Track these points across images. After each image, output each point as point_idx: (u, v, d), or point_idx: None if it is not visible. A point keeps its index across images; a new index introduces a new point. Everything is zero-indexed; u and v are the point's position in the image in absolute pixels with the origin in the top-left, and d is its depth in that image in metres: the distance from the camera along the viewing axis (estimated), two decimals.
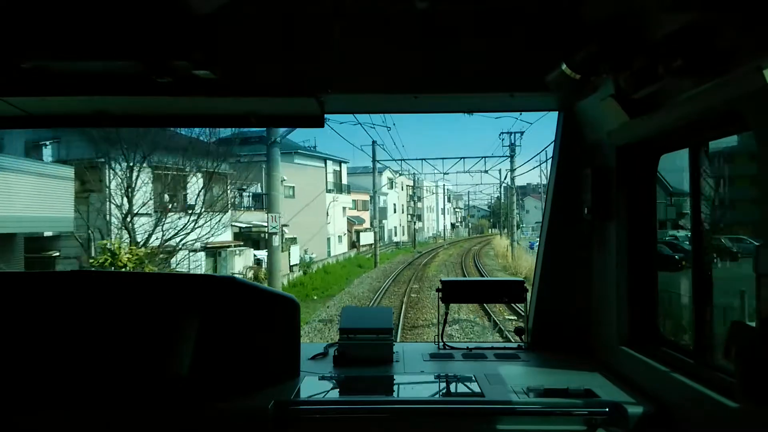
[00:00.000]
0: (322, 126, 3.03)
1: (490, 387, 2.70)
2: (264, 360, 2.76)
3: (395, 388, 2.93)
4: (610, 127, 2.75)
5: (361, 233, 54.45)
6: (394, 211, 71.72)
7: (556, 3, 2.49)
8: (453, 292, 3.57)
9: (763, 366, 1.76)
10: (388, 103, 3.34)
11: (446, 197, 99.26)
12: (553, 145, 3.46)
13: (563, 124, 3.29)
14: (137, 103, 2.88)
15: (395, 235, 71.50)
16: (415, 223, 71.04)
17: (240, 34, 2.63)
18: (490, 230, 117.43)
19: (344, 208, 49.98)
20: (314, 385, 2.84)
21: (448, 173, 43.79)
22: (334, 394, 2.86)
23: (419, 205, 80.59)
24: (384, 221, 64.24)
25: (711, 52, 1.87)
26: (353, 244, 52.94)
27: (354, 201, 55.11)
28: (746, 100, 1.81)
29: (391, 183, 70.05)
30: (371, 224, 41.89)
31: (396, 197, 72.91)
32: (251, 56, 2.68)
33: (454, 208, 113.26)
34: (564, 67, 2.32)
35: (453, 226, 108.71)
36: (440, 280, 3.62)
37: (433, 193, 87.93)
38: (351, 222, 52.90)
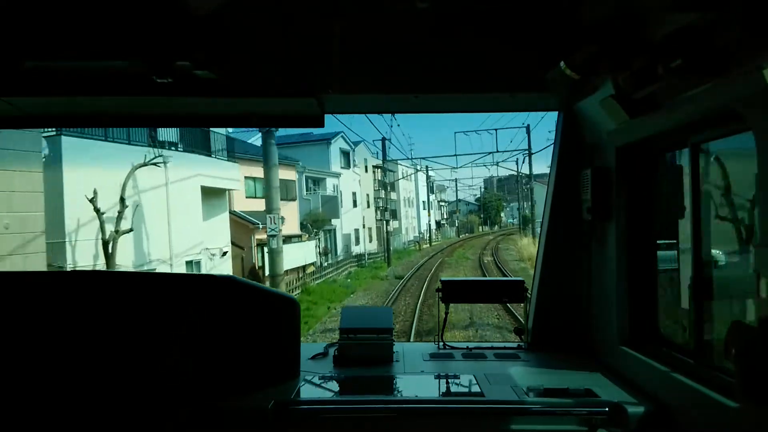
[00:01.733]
0: (323, 126, 3.14)
1: (490, 387, 2.77)
2: (264, 360, 2.82)
3: (395, 387, 2.98)
4: (609, 127, 2.84)
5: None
6: (354, 205, 44.85)
7: (556, 3, 2.50)
8: (453, 292, 3.61)
9: (763, 366, 1.80)
10: (389, 103, 3.38)
11: (429, 186, 75.06)
12: (552, 145, 3.56)
13: (563, 124, 3.36)
14: (137, 103, 2.95)
15: (356, 243, 44.53)
16: (388, 222, 44.01)
17: (240, 34, 2.67)
18: (480, 228, 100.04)
19: (221, 192, 22.42)
20: (314, 385, 2.90)
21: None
22: (334, 394, 2.90)
23: (393, 196, 54.34)
24: (335, 221, 38.10)
25: (711, 52, 1.90)
26: (253, 275, 26.13)
27: (259, 181, 28.40)
28: (746, 100, 1.86)
29: (348, 158, 44.02)
30: (268, 228, 15.84)
31: (357, 181, 45.99)
32: (251, 56, 2.74)
33: (438, 202, 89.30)
34: (563, 67, 2.36)
35: (438, 224, 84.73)
36: (440, 280, 3.66)
37: (411, 173, 62.28)
38: (249, 226, 26.16)
